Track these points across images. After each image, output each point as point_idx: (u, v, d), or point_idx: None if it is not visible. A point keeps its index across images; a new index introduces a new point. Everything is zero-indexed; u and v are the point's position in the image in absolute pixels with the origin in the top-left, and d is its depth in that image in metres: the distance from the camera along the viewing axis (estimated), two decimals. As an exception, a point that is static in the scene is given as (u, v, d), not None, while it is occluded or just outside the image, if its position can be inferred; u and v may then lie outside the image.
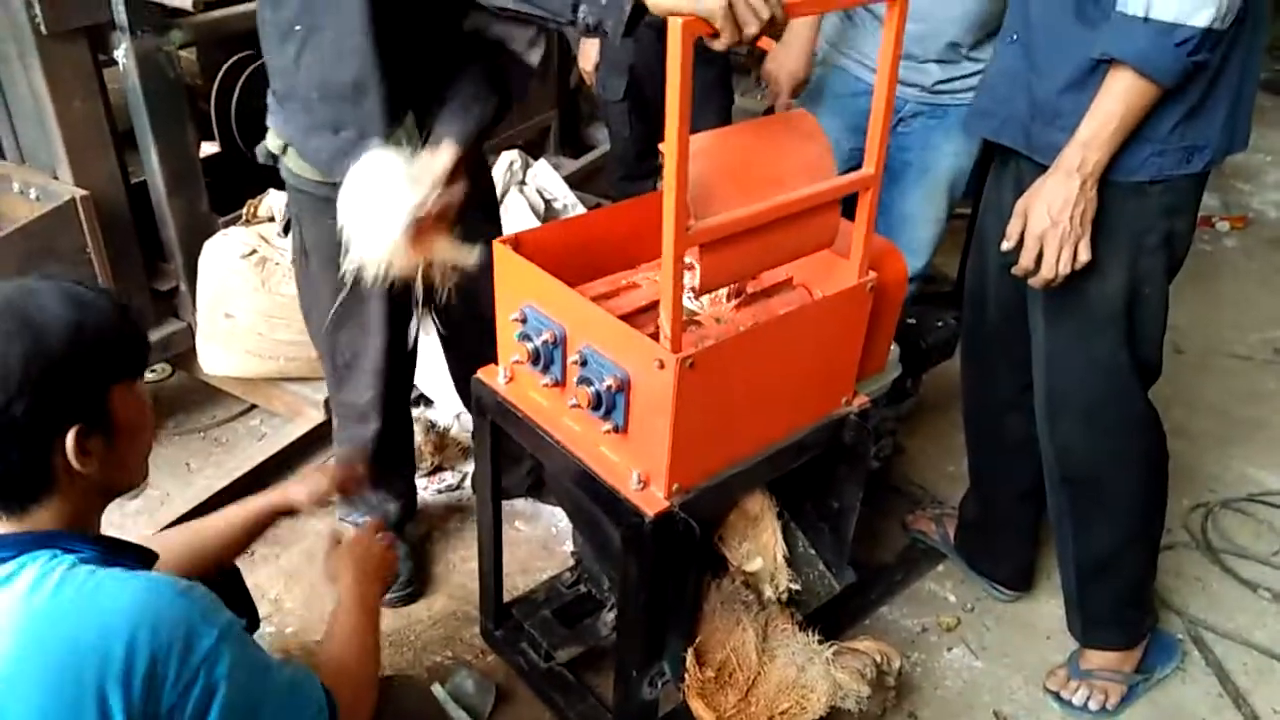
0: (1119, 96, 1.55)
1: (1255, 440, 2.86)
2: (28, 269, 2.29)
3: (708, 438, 1.50)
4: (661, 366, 1.37)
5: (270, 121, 1.87)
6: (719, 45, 1.19)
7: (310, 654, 1.33)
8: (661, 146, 1.27)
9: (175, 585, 1.08)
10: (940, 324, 2.15)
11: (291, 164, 1.86)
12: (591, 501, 1.61)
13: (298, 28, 1.68)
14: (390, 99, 1.70)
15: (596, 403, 1.47)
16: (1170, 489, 2.01)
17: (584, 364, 1.49)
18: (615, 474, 1.54)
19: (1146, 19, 1.48)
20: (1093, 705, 2.04)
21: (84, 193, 2.33)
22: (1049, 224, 1.62)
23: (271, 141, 1.88)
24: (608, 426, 1.49)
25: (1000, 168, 1.91)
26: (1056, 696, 2.07)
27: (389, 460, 2.19)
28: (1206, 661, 2.17)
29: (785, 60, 2.40)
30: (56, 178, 2.40)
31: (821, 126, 1.55)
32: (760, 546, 1.75)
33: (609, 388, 1.45)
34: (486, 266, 1.74)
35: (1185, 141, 1.62)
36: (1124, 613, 2.05)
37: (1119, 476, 1.92)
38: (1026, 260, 1.68)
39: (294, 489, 1.69)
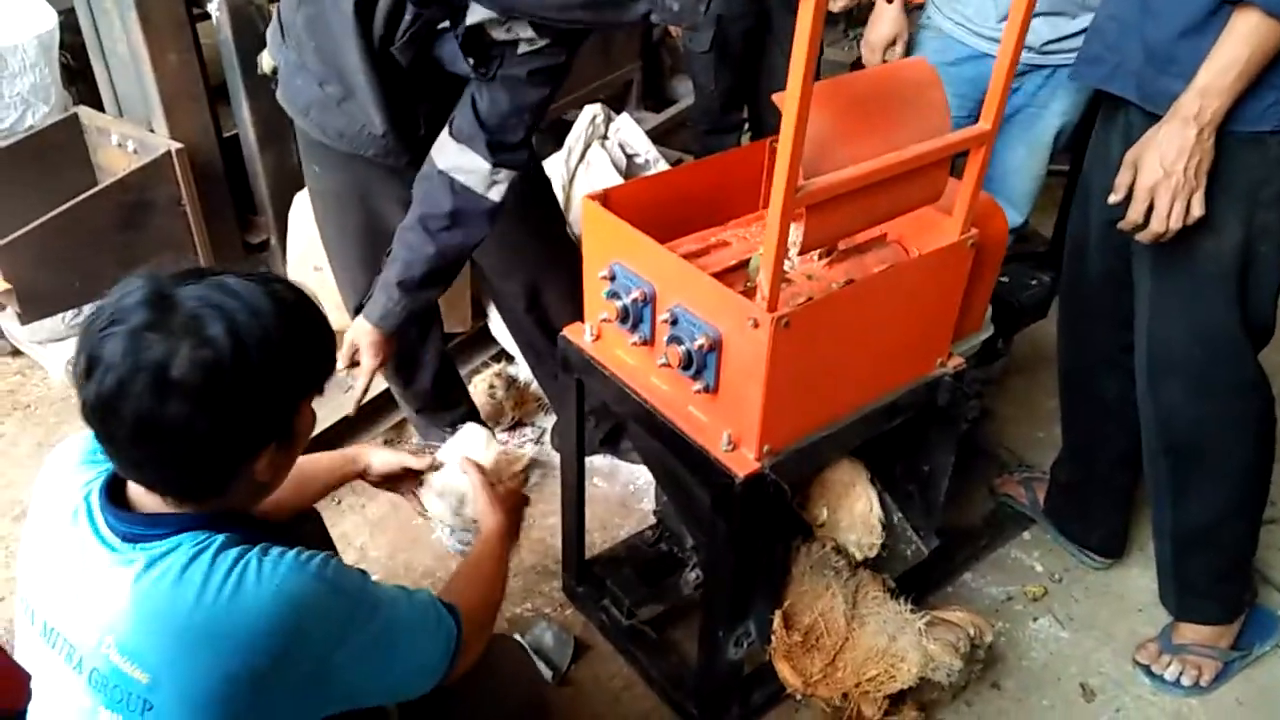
0: (1244, 39, 1.46)
1: (1369, 412, 2.72)
2: (126, 221, 2.36)
3: (800, 399, 1.47)
4: (756, 326, 1.34)
5: (268, 36, 1.84)
6: (836, 7, 1.14)
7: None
8: (775, 98, 1.23)
9: (312, 563, 1.08)
10: (1034, 282, 2.09)
11: (279, 91, 1.83)
12: (680, 462, 1.60)
13: None
14: (388, 103, 1.67)
15: (687, 362, 1.46)
16: (1277, 460, 1.92)
17: (674, 323, 1.47)
18: (705, 434, 1.52)
19: None
20: (1185, 681, 1.98)
21: (179, 145, 2.38)
22: (1161, 175, 1.54)
23: (265, 59, 1.84)
24: (698, 386, 1.47)
25: (1108, 118, 1.83)
26: (1147, 671, 2.02)
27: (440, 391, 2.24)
28: (1308, 641, 2.09)
29: (879, 26, 2.31)
30: (152, 130, 2.45)
31: None
32: (855, 515, 1.72)
33: (700, 347, 1.43)
34: (532, 236, 1.81)
35: None
36: (1221, 587, 1.98)
37: (1223, 444, 1.84)
38: (1135, 213, 1.60)
39: (372, 453, 1.64)
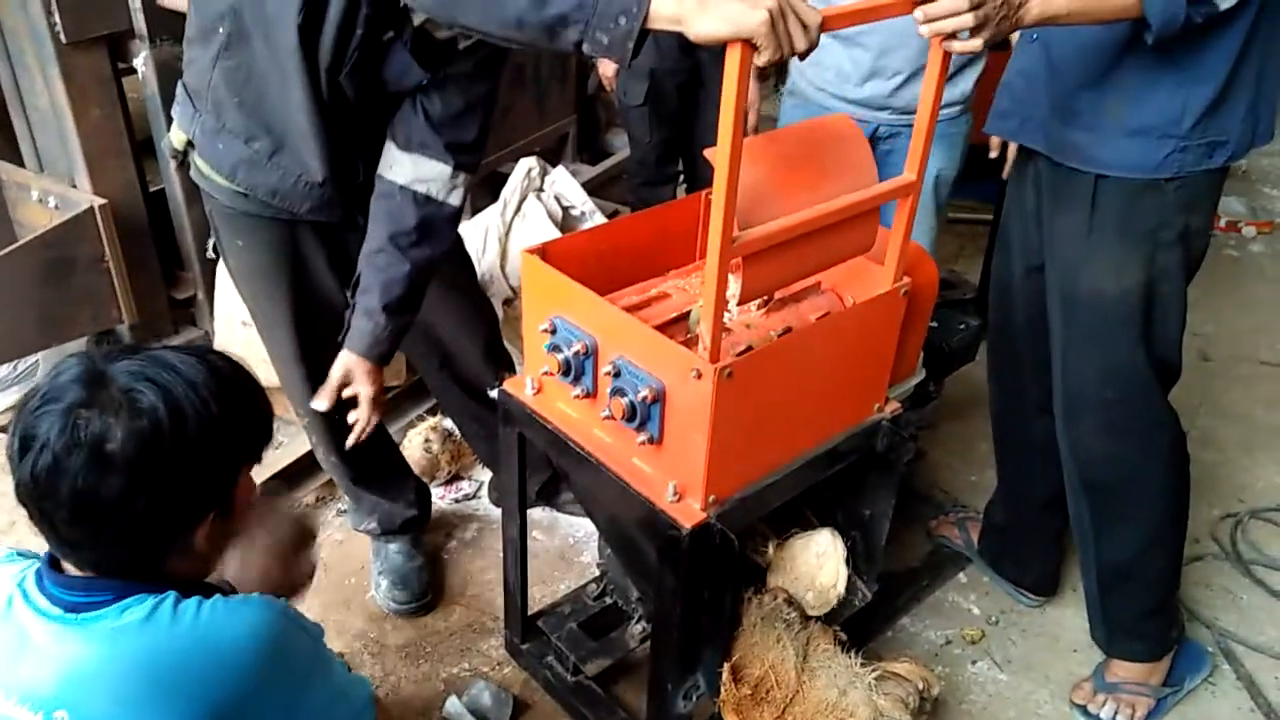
0: None
1: (1284, 449, 2.81)
2: (47, 278, 2.30)
3: (744, 447, 1.48)
4: (699, 377, 1.35)
5: (175, 113, 1.79)
6: (760, 62, 1.18)
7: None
8: (707, 154, 1.25)
9: (287, 613, 1.09)
10: (962, 326, 2.13)
11: (199, 162, 1.77)
12: (625, 514, 1.59)
13: (220, 30, 1.60)
14: (330, 146, 1.64)
15: (631, 414, 1.45)
16: (1199, 498, 1.98)
17: (617, 375, 1.47)
18: (650, 486, 1.51)
19: None
20: (1120, 719, 2.00)
21: (102, 201, 2.34)
22: None
23: (175, 135, 1.79)
24: (642, 438, 1.47)
25: (1020, 170, 1.90)
26: (1084, 710, 2.04)
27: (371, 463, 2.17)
28: (1237, 675, 2.13)
29: None
30: (75, 186, 2.41)
31: None
32: (819, 585, 1.72)
33: (644, 399, 1.43)
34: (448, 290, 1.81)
35: (1207, 137, 1.62)
36: (1148, 623, 2.02)
37: (1138, 480, 1.89)
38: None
39: None
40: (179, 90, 1.77)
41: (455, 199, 1.72)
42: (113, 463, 0.99)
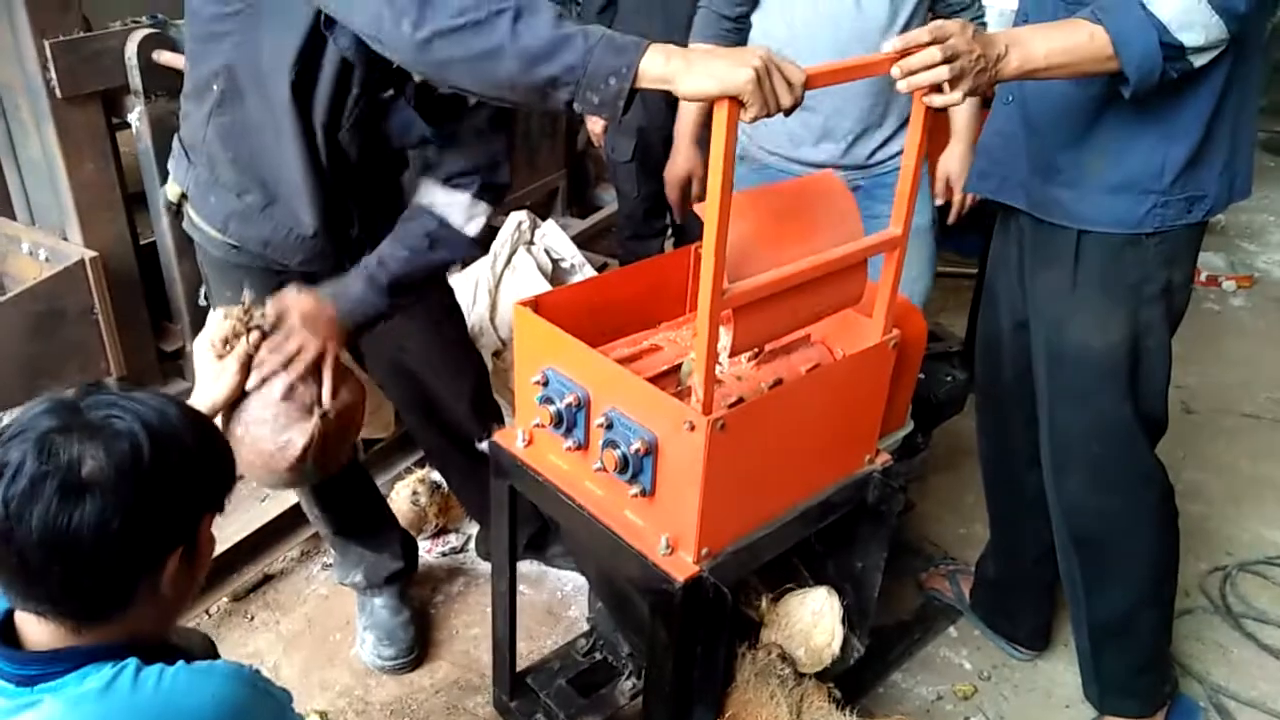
0: (1076, 44, 1.46)
1: (1269, 501, 2.82)
2: (36, 330, 2.30)
3: (736, 499, 1.48)
4: (692, 429, 1.35)
5: (171, 167, 1.80)
6: (747, 118, 1.20)
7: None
8: (696, 209, 1.27)
9: (254, 682, 1.08)
10: (950, 378, 2.15)
11: (193, 214, 1.78)
12: (617, 567, 1.58)
13: (215, 87, 1.62)
14: (323, 199, 1.66)
15: (623, 466, 1.45)
16: (1187, 551, 1.97)
17: (610, 427, 1.47)
18: (642, 539, 1.51)
19: (1143, 7, 1.46)
20: (1114, 776, 1.99)
21: (93, 254, 2.34)
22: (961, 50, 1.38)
23: (170, 188, 1.81)
24: (634, 490, 1.47)
25: (1004, 227, 1.93)
26: (1077, 768, 2.02)
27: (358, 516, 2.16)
28: (1230, 731, 2.12)
29: (673, 164, 2.45)
30: (66, 238, 2.41)
31: None
32: (813, 645, 1.71)
33: (636, 451, 1.43)
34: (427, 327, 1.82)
35: (1186, 192, 1.65)
36: (1141, 679, 2.01)
37: (1127, 535, 1.89)
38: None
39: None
40: (175, 143, 1.79)
41: (472, 229, 1.76)
42: (89, 486, 0.98)
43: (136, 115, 2.34)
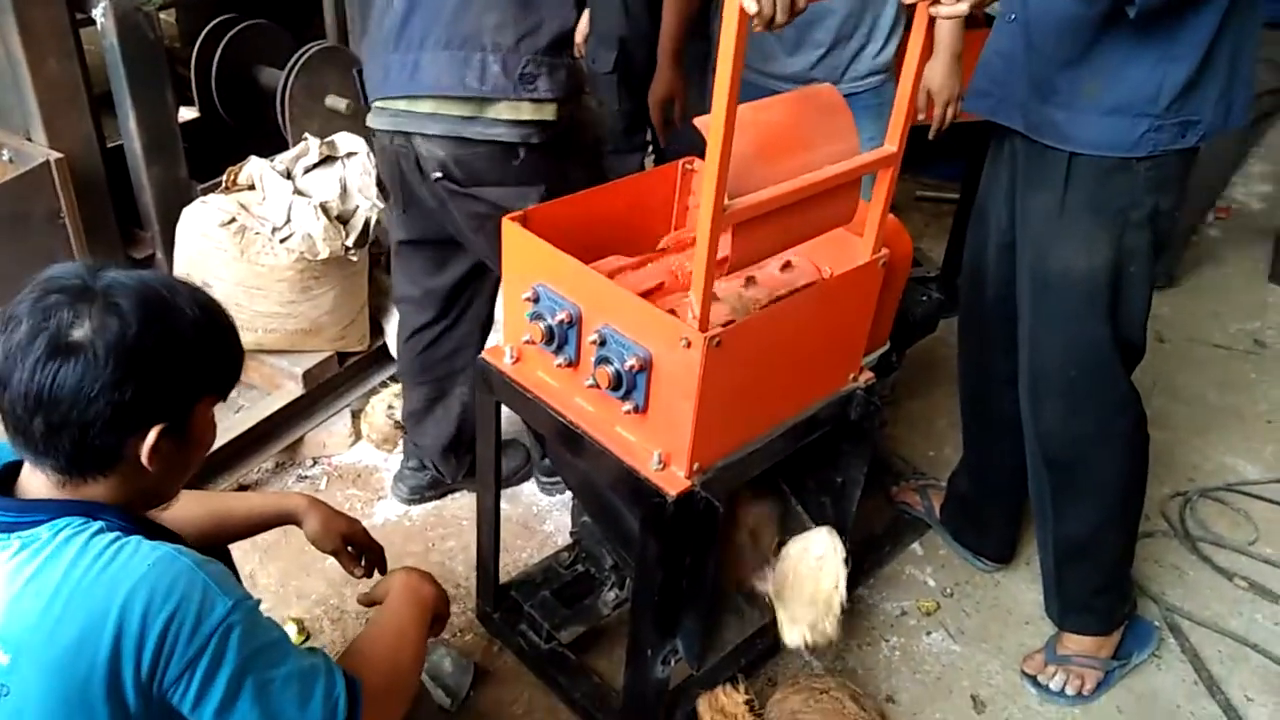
0: None
1: (1234, 430, 2.88)
2: (1, 235, 2.24)
3: (728, 416, 1.49)
4: (688, 345, 1.35)
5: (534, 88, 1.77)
6: (758, 28, 1.18)
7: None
8: (697, 122, 1.25)
9: (193, 556, 1.09)
10: (925, 298, 2.15)
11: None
12: (608, 482, 1.59)
13: None
14: None
15: (616, 383, 1.45)
16: (1150, 477, 2.01)
17: (603, 344, 1.46)
18: (634, 454, 1.51)
19: None
20: (1069, 690, 2.05)
21: (59, 155, 2.28)
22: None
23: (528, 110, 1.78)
24: (627, 407, 1.47)
25: (997, 148, 1.91)
26: (1034, 681, 2.08)
27: None
28: (1182, 649, 2.19)
29: (656, 86, 2.43)
30: (30, 139, 2.34)
31: None
32: (825, 575, 1.69)
33: (630, 368, 1.42)
34: None
35: (1181, 116, 1.63)
36: (1101, 598, 2.06)
37: (1099, 459, 1.92)
38: None
39: (312, 517, 1.58)
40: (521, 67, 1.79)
41: None
42: (74, 350, 1.03)
43: (101, 11, 2.25)
